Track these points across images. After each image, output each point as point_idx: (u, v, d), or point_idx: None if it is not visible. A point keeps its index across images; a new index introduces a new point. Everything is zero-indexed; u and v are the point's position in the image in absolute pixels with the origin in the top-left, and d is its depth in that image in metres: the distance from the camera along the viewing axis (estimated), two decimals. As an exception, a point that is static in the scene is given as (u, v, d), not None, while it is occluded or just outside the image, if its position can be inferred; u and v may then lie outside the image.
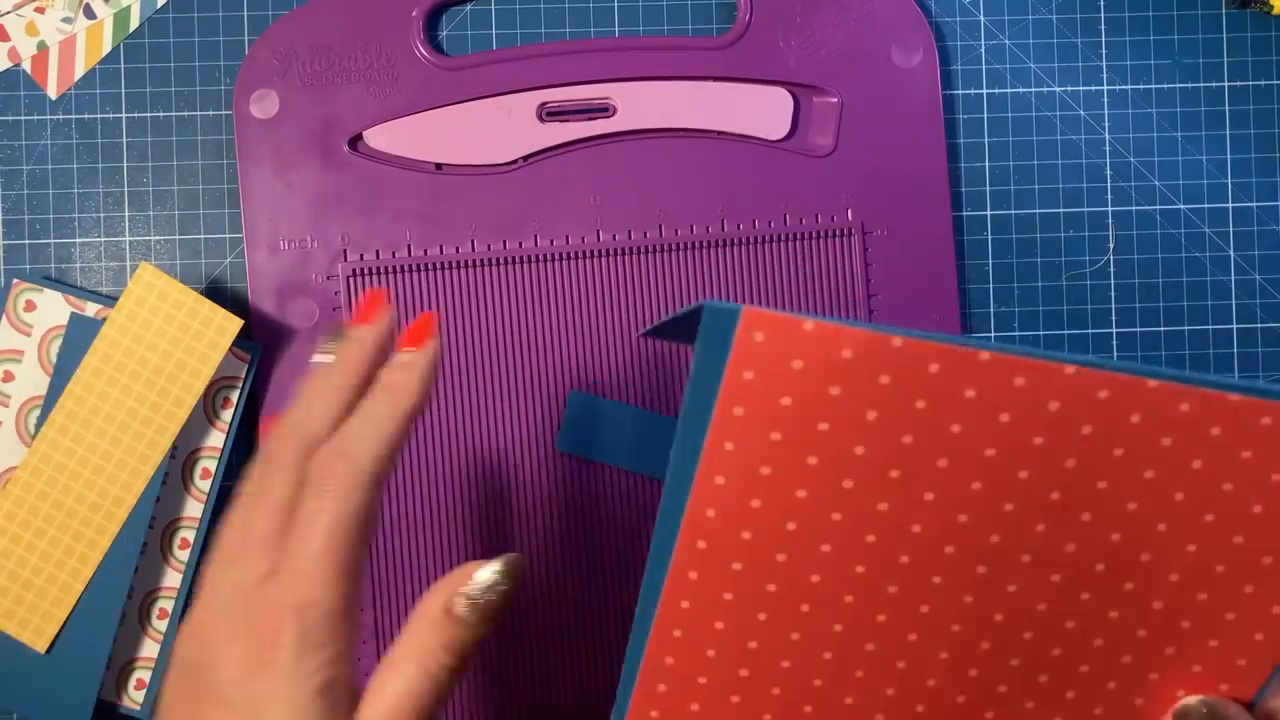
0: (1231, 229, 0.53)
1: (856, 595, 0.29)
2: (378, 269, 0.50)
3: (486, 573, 0.33)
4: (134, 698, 0.50)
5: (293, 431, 0.34)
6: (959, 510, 0.29)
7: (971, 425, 0.28)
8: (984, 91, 0.53)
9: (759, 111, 0.51)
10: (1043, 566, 0.29)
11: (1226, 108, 0.53)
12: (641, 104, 0.51)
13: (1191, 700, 0.31)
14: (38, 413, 0.49)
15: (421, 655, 0.32)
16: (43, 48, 0.52)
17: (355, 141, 0.51)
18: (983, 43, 0.53)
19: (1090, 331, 0.53)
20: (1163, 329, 0.53)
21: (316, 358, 0.36)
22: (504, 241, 0.50)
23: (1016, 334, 0.52)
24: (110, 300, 0.49)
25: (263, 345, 0.50)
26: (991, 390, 0.27)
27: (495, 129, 0.51)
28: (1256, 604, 0.30)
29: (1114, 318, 0.53)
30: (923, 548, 0.29)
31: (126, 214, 0.52)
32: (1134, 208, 0.53)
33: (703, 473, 0.29)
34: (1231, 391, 0.28)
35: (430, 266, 0.50)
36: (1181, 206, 0.53)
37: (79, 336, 0.48)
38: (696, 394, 0.28)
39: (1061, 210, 0.53)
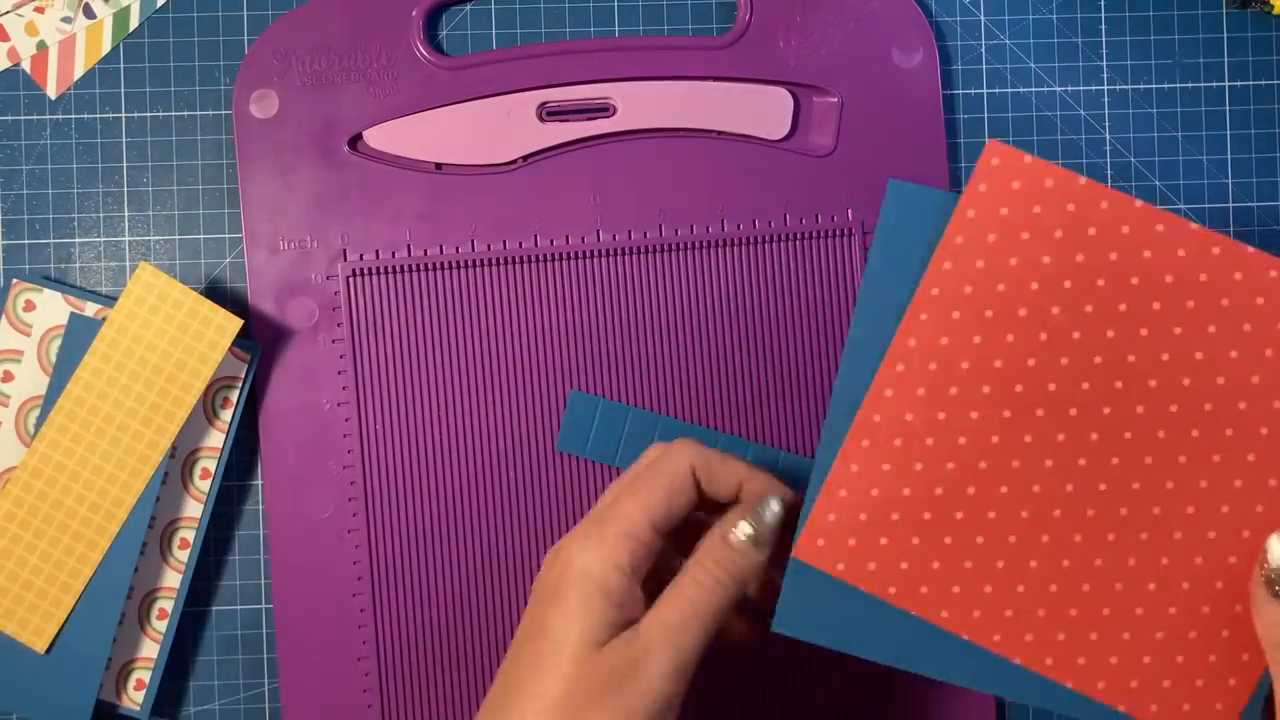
0: (1231, 229, 0.53)
1: (1030, 438, 0.38)
2: (378, 269, 0.50)
3: (753, 516, 0.39)
4: (134, 698, 0.50)
5: None
6: (1083, 379, 0.37)
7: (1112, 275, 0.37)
8: (984, 91, 0.53)
9: (759, 111, 0.51)
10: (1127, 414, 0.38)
11: (1226, 108, 0.53)
12: (641, 104, 0.51)
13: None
14: (37, 413, 0.49)
15: (702, 574, 0.38)
16: (42, 47, 0.52)
17: (355, 141, 0.51)
18: (983, 43, 0.53)
19: (1090, 331, 0.53)
20: (1163, 329, 0.53)
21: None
22: (504, 241, 0.50)
23: (1016, 334, 0.52)
24: (110, 300, 0.49)
25: (263, 345, 0.50)
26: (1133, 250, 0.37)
27: (495, 129, 0.51)
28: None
29: (1114, 318, 0.53)
30: (1052, 411, 0.38)
31: (126, 214, 0.52)
32: (1134, 208, 0.53)
33: (914, 311, 0.38)
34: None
35: (430, 266, 0.50)
36: (1181, 206, 0.53)
37: (79, 336, 0.48)
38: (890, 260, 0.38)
39: (1062, 210, 0.53)
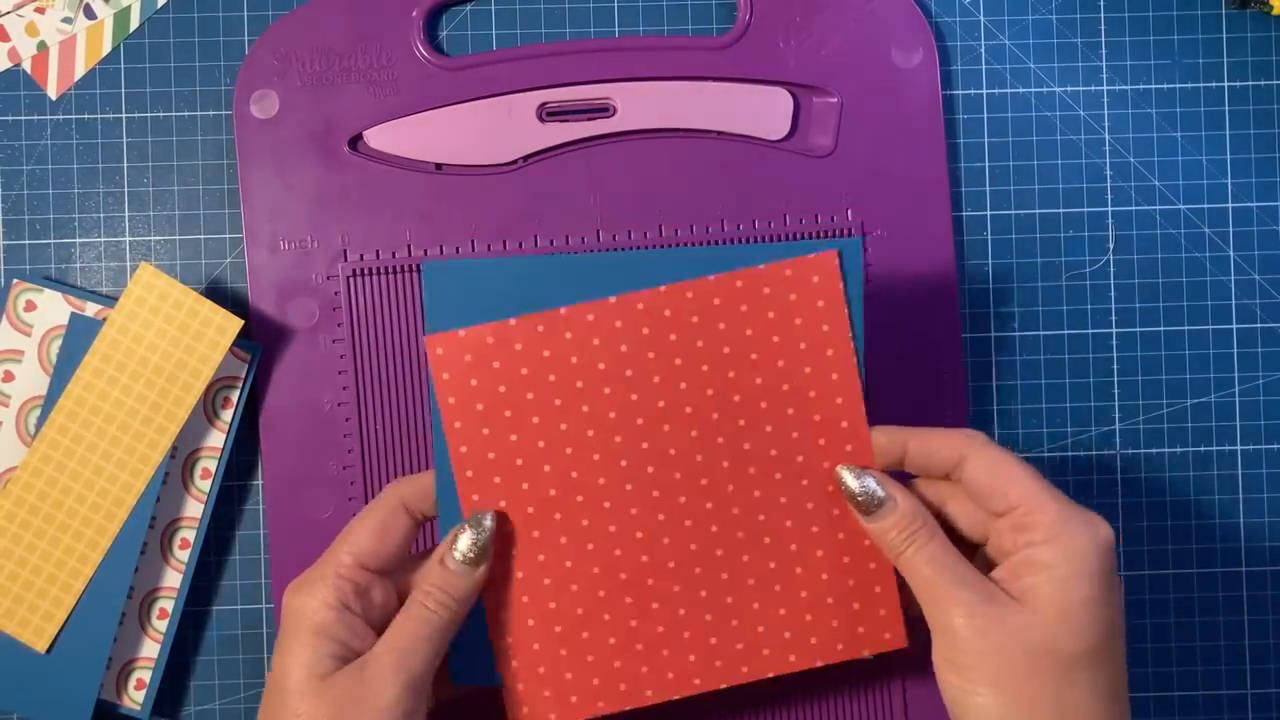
0: (1231, 229, 0.53)
1: (610, 482, 0.43)
2: (378, 269, 0.50)
3: (466, 535, 0.42)
4: (134, 698, 0.50)
5: None
6: (637, 416, 0.43)
7: (609, 360, 0.42)
8: (984, 91, 0.53)
9: (759, 111, 0.51)
10: (699, 430, 0.43)
11: (1226, 108, 0.53)
12: (641, 104, 0.51)
13: (841, 469, 0.43)
14: (38, 413, 0.49)
15: (424, 597, 0.41)
16: (43, 48, 0.52)
17: (355, 141, 0.51)
18: (983, 43, 0.53)
19: (1090, 331, 0.53)
20: (1163, 329, 0.53)
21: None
22: (504, 241, 0.50)
23: (1016, 334, 0.52)
24: (110, 300, 0.49)
25: (263, 345, 0.50)
26: (606, 333, 0.42)
27: (495, 129, 0.51)
28: (818, 402, 0.43)
29: (1114, 318, 0.53)
30: (624, 449, 0.43)
31: (126, 214, 0.52)
32: (1134, 208, 0.53)
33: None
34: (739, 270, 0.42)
35: (430, 266, 0.50)
36: (1181, 206, 0.53)
37: (79, 336, 0.48)
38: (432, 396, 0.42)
39: (1061, 210, 0.53)
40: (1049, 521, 0.40)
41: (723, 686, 0.44)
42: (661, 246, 0.50)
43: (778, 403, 0.43)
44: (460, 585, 0.42)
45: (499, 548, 0.43)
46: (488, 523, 0.42)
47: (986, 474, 0.41)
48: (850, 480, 0.42)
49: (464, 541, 0.42)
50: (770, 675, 0.44)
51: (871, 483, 0.42)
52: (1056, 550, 0.39)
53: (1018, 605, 0.39)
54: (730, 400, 0.43)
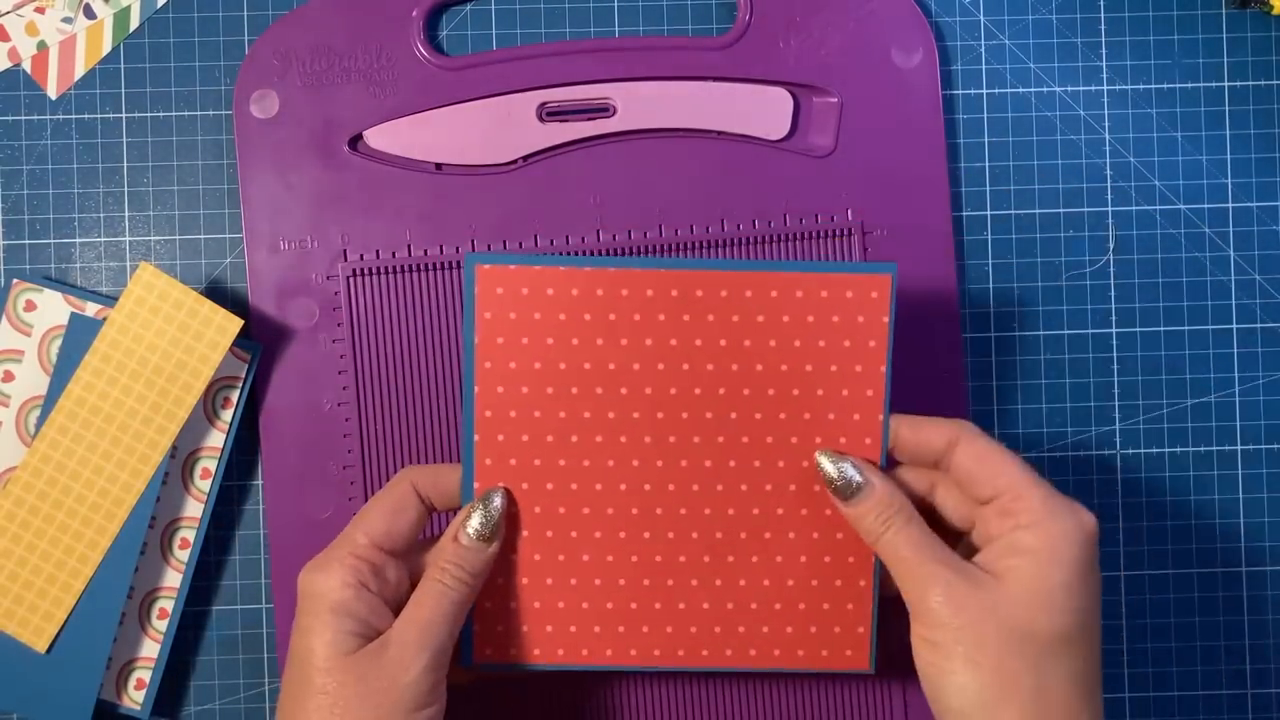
0: (1231, 229, 0.53)
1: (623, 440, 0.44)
2: (378, 269, 0.50)
3: (478, 513, 0.43)
4: (134, 698, 0.50)
5: None
6: (667, 387, 0.44)
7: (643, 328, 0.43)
8: (984, 91, 0.53)
9: (759, 111, 0.51)
10: (705, 407, 0.44)
11: (1226, 108, 0.53)
12: (641, 104, 0.51)
13: (820, 455, 0.44)
14: (38, 413, 0.49)
15: (440, 574, 0.42)
16: (43, 48, 0.52)
17: (355, 141, 0.51)
18: (983, 43, 0.53)
19: (1090, 331, 0.53)
20: (1163, 329, 0.53)
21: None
22: (504, 241, 0.50)
23: (1016, 334, 0.52)
24: (110, 300, 0.49)
25: (263, 345, 0.50)
26: (651, 303, 0.43)
27: (495, 129, 0.51)
28: (832, 403, 0.44)
29: (1114, 318, 0.53)
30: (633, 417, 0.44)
31: (126, 214, 0.52)
32: (1134, 208, 0.53)
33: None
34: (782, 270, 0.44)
35: (430, 266, 0.50)
36: (1181, 206, 0.53)
37: (79, 336, 0.48)
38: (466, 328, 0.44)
39: (1061, 210, 0.53)
40: (1034, 507, 0.40)
41: (702, 668, 0.45)
42: (662, 247, 0.50)
43: (798, 405, 0.44)
44: (475, 560, 0.43)
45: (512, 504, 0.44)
46: (497, 501, 0.43)
47: (975, 461, 0.42)
48: (828, 466, 0.43)
49: (475, 520, 0.43)
50: (748, 666, 0.45)
51: (849, 468, 0.43)
52: (1040, 535, 0.40)
53: (996, 583, 0.40)
54: (754, 394, 0.44)
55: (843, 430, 0.44)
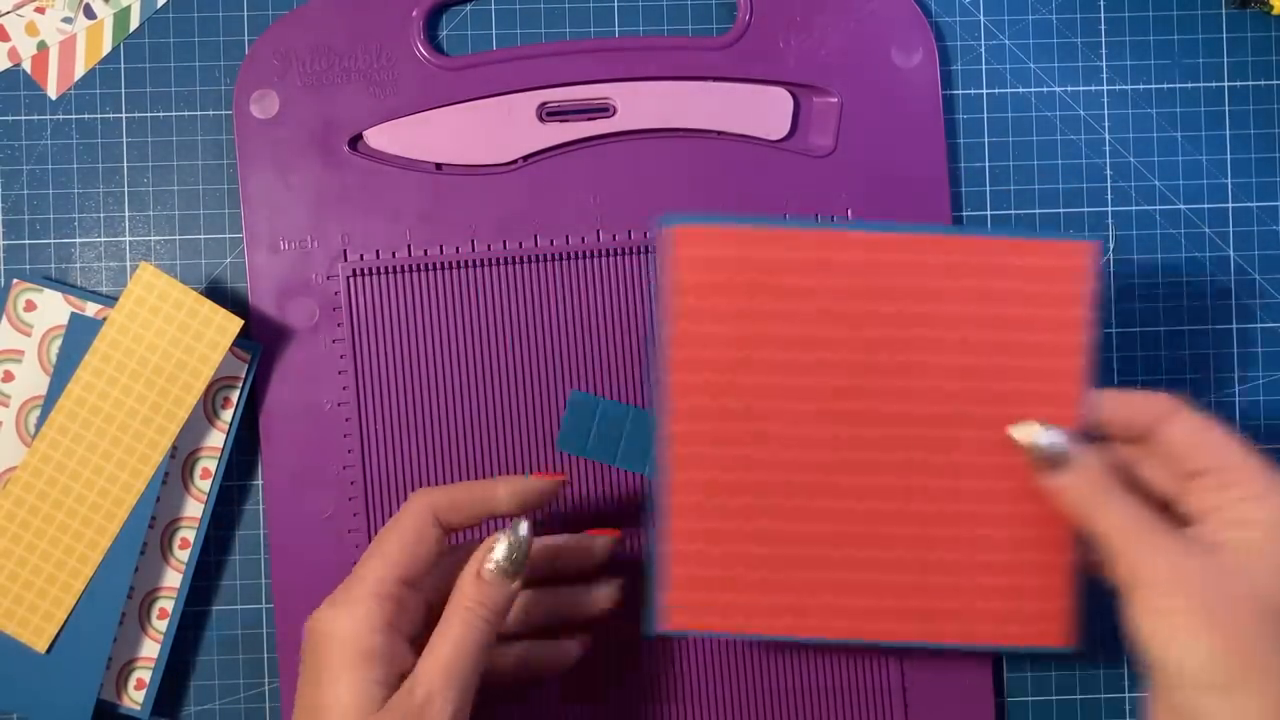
0: (1231, 229, 0.53)
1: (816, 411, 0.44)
2: (378, 269, 0.50)
3: (501, 546, 0.41)
4: (134, 698, 0.50)
5: None
6: (837, 351, 0.43)
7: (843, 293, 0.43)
8: (984, 91, 0.53)
9: (759, 111, 0.51)
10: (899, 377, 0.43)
11: (1226, 108, 0.53)
12: (641, 104, 0.51)
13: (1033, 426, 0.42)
14: (38, 413, 0.49)
15: (462, 611, 0.40)
16: (43, 48, 0.52)
17: (355, 141, 0.51)
18: (983, 43, 0.53)
19: (1090, 331, 0.53)
20: (1163, 329, 0.53)
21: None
22: (504, 241, 0.50)
23: (1016, 334, 0.52)
24: (110, 300, 0.49)
25: (263, 345, 0.50)
26: (847, 267, 0.43)
27: (495, 129, 0.51)
28: (1029, 372, 0.43)
29: (1114, 318, 0.53)
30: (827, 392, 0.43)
31: (126, 214, 0.52)
32: (1134, 208, 0.53)
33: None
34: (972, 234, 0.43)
35: (430, 266, 0.50)
36: (1181, 206, 0.53)
37: (79, 336, 0.48)
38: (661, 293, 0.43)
39: (1061, 210, 0.53)
40: (1260, 481, 0.40)
41: (899, 641, 0.45)
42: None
43: (992, 375, 0.43)
44: (498, 597, 0.41)
45: (700, 438, 0.43)
46: (523, 532, 0.41)
47: (1189, 434, 0.41)
48: (1040, 435, 0.42)
49: (500, 550, 0.41)
50: (939, 641, 0.44)
51: (1060, 438, 0.42)
52: (1268, 508, 0.39)
53: (1230, 552, 0.39)
54: (947, 362, 0.43)
55: (1041, 401, 0.43)
